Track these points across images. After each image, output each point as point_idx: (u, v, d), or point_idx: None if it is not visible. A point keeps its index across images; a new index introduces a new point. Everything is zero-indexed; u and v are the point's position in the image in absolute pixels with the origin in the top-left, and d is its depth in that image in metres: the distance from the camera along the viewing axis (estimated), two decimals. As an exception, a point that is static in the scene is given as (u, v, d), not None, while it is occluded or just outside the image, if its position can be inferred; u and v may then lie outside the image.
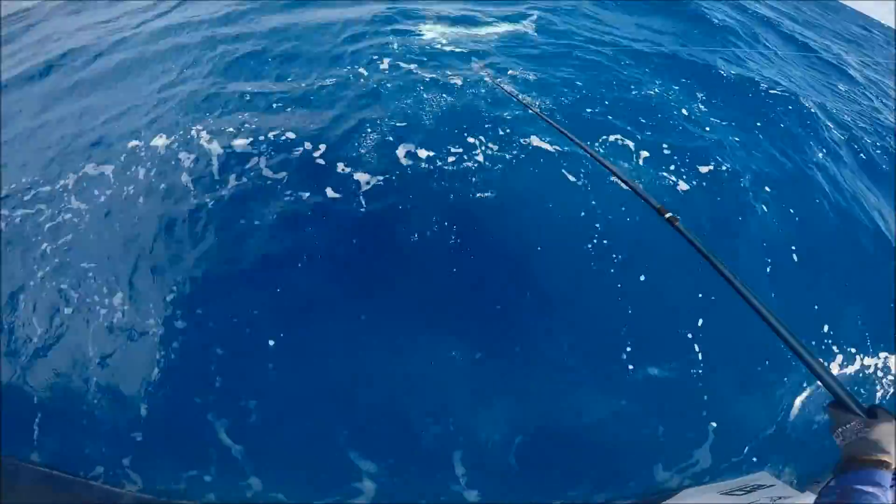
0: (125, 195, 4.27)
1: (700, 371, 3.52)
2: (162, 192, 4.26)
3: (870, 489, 0.88)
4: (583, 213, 4.11)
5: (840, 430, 1.01)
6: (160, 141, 4.75)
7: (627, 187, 1.56)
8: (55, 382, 3.41)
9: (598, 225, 3.99)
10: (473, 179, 4.29)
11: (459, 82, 5.51)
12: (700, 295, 3.74)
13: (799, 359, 1.12)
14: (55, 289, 3.74)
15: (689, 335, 3.62)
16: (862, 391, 3.77)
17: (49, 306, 3.66)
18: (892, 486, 0.90)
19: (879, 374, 3.85)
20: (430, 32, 6.97)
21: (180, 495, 2.95)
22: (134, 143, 4.86)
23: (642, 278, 3.72)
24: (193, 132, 4.71)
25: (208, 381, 3.31)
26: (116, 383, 3.37)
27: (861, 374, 3.82)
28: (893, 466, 0.93)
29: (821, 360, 1.18)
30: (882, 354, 3.92)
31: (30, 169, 4.71)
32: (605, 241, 3.93)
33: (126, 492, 2.85)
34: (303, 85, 5.45)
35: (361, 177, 4.30)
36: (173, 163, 4.48)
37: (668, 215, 1.51)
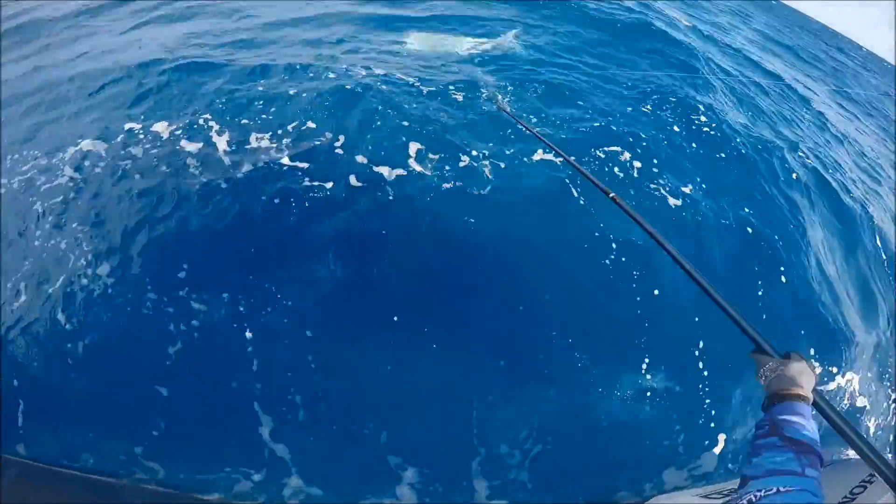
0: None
1: (708, 381, 3.72)
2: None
3: (794, 419, 1.02)
4: (598, 227, 4.26)
5: (761, 370, 1.19)
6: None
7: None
8: (47, 365, 3.25)
9: (611, 236, 4.16)
10: (484, 191, 4.36)
11: (460, 98, 5.52)
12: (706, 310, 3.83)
13: (722, 311, 1.34)
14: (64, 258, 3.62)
15: (699, 346, 3.81)
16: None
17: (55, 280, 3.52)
18: (812, 415, 1.06)
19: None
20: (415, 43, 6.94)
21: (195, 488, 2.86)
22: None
23: (656, 292, 3.93)
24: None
25: (231, 367, 3.27)
26: (120, 366, 3.27)
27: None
28: (811, 399, 1.10)
29: (739, 312, 1.34)
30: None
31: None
32: (621, 257, 4.09)
33: (146, 487, 2.72)
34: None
35: (384, 170, 4.32)
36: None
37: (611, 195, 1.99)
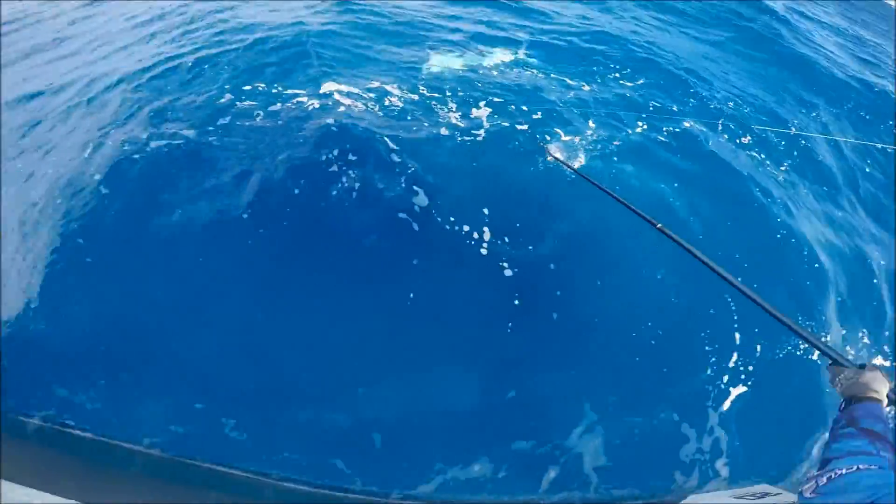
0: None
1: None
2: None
3: (869, 415, 1.13)
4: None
5: (838, 380, 1.28)
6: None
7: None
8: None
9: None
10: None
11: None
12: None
13: (798, 335, 1.44)
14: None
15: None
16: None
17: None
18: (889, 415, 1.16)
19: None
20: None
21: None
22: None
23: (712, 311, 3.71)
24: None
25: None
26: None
27: None
28: (885, 402, 1.20)
29: (815, 334, 1.57)
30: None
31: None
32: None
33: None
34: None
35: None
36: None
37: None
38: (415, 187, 4.18)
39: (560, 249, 4.05)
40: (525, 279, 3.84)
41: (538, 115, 5.25)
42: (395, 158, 4.36)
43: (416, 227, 3.98)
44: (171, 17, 7.50)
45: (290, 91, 5.13)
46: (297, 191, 4.09)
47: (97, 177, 4.16)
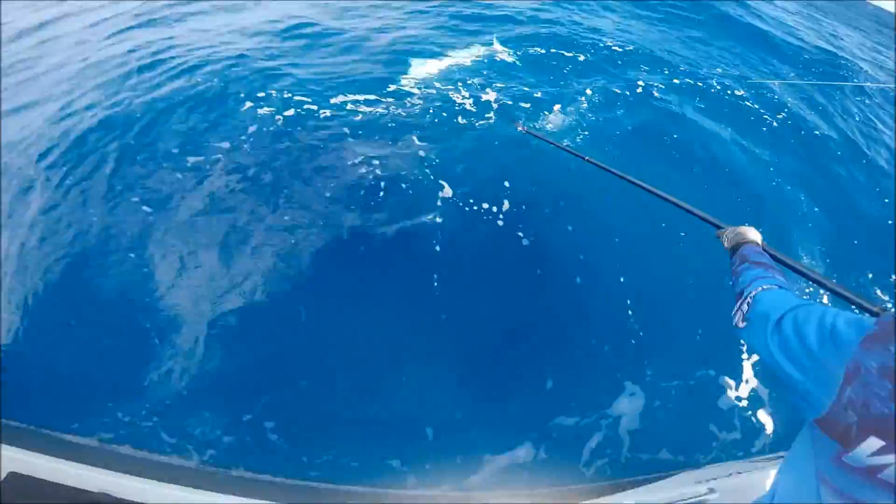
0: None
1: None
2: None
3: (753, 252, 1.41)
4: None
5: (723, 237, 1.58)
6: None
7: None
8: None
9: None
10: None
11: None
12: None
13: (681, 208, 1.89)
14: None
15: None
16: None
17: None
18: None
19: None
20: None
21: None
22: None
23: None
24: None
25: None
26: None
27: None
28: (760, 244, 1.48)
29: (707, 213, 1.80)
30: None
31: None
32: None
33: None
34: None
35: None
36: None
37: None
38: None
39: (581, 225, 4.23)
40: (549, 260, 3.97)
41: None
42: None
43: (439, 220, 4.09)
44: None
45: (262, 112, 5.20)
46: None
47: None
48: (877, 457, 0.76)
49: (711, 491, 1.60)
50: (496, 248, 4.06)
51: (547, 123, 5.46)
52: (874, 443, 0.76)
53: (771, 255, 1.44)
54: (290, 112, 5.13)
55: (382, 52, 6.69)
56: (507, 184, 4.47)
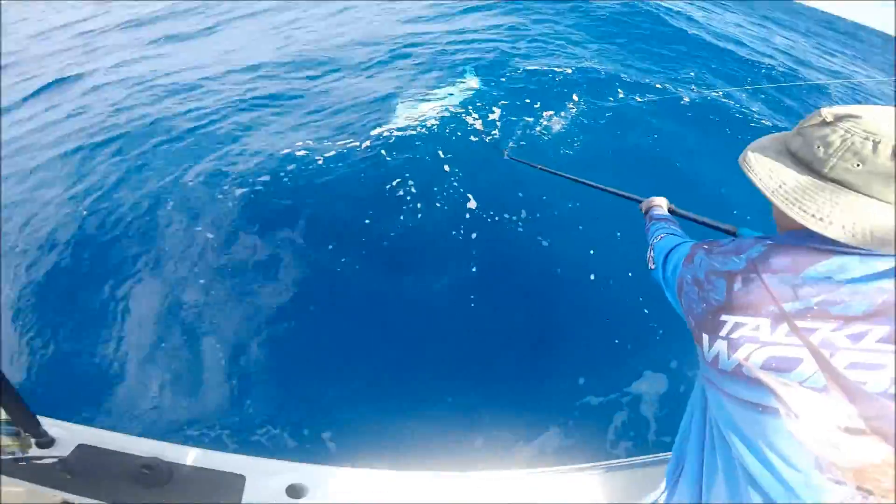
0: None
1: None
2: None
3: (658, 213, 1.71)
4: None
5: (640, 207, 1.91)
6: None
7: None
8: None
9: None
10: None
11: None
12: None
13: (598, 189, 2.39)
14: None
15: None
16: None
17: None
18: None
19: None
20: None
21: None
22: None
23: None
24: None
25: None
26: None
27: None
28: (665, 208, 1.80)
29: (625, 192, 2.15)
30: None
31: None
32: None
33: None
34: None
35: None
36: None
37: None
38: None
39: (596, 226, 4.47)
40: (567, 259, 4.19)
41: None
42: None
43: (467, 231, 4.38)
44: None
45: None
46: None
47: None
48: (712, 349, 0.88)
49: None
50: (522, 251, 4.33)
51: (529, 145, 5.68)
52: (705, 338, 0.90)
53: (672, 212, 1.79)
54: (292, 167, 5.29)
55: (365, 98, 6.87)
56: (520, 194, 4.77)
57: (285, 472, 1.66)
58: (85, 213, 4.83)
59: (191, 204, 4.76)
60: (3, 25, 9.48)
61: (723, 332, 0.85)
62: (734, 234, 1.52)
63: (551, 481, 1.74)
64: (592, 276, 4.07)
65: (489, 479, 1.75)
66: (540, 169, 3.49)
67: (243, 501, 1.55)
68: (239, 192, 4.82)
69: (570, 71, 7.28)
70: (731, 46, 10.10)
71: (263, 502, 1.56)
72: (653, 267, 1.31)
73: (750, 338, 0.80)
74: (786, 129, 1.00)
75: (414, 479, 1.72)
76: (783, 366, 0.76)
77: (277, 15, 11.64)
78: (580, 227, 4.54)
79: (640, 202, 1.94)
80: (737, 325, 0.83)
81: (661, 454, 1.77)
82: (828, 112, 0.83)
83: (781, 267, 0.81)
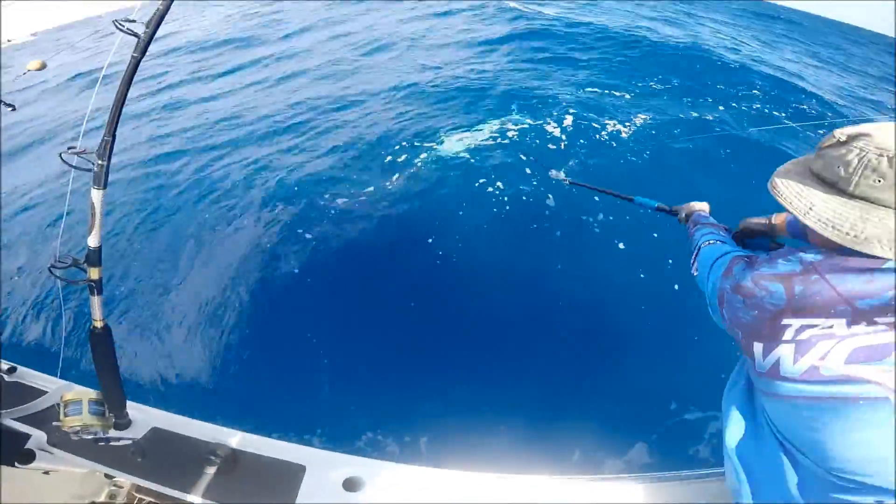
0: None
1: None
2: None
3: (702, 218, 1.59)
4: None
5: (680, 217, 1.76)
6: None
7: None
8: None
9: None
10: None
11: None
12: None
13: (634, 203, 1.99)
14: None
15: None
16: None
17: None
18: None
19: None
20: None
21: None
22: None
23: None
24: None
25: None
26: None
27: None
28: (707, 211, 1.68)
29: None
30: None
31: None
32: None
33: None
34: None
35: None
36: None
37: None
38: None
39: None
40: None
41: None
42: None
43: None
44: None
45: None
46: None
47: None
48: (769, 357, 0.84)
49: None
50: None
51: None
52: (758, 346, 0.87)
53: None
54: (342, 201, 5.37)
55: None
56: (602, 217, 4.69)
57: (344, 465, 1.63)
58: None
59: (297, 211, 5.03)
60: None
61: (786, 336, 0.82)
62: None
63: (631, 489, 1.59)
64: (676, 286, 3.96)
65: (550, 483, 1.62)
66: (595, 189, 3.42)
67: (301, 492, 1.53)
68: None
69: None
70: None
71: (321, 494, 1.54)
72: (696, 273, 1.30)
73: (824, 335, 0.78)
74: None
75: (475, 479, 1.63)
76: (875, 355, 0.74)
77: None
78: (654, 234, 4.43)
79: (678, 212, 1.79)
80: (804, 328, 0.80)
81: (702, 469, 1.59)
82: (841, 132, 0.87)
83: (844, 268, 0.80)
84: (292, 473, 1.59)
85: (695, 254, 1.36)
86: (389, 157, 5.93)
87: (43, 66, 6.94)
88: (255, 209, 5.14)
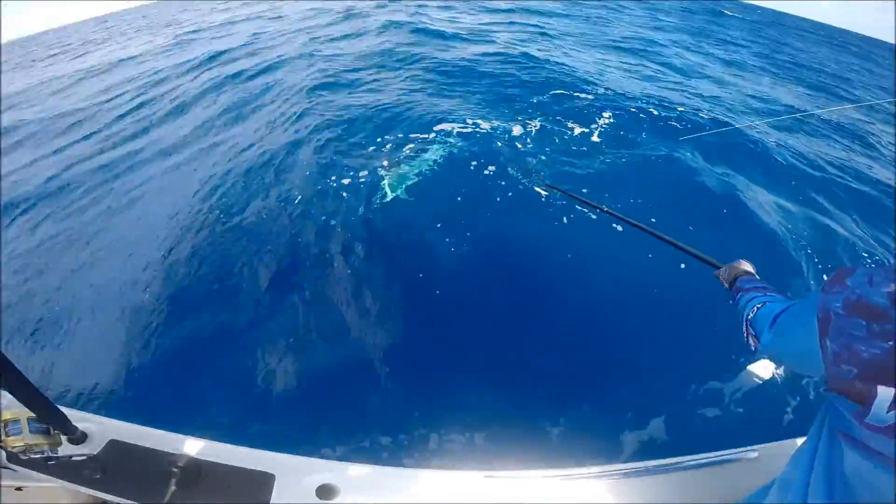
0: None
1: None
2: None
3: (748, 282, 1.39)
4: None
5: (721, 277, 1.56)
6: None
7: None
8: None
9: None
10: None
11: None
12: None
13: (683, 251, 1.77)
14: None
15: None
16: None
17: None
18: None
19: None
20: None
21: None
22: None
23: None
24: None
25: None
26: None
27: None
28: (754, 273, 1.50)
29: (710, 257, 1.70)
30: None
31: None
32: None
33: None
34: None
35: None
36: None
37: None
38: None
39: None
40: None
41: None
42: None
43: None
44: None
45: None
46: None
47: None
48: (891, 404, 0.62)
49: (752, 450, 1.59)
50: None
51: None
52: (885, 392, 0.62)
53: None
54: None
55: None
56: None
57: (316, 470, 1.52)
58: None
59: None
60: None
61: None
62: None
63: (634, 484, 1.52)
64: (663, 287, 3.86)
65: (532, 478, 1.54)
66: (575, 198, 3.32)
67: (271, 502, 1.43)
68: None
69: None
70: None
71: (293, 503, 1.44)
72: (756, 344, 1.11)
73: None
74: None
75: (460, 479, 1.54)
76: None
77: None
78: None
79: (717, 269, 1.60)
80: None
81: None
82: None
83: None
84: (261, 482, 1.49)
85: (746, 326, 1.16)
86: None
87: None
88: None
